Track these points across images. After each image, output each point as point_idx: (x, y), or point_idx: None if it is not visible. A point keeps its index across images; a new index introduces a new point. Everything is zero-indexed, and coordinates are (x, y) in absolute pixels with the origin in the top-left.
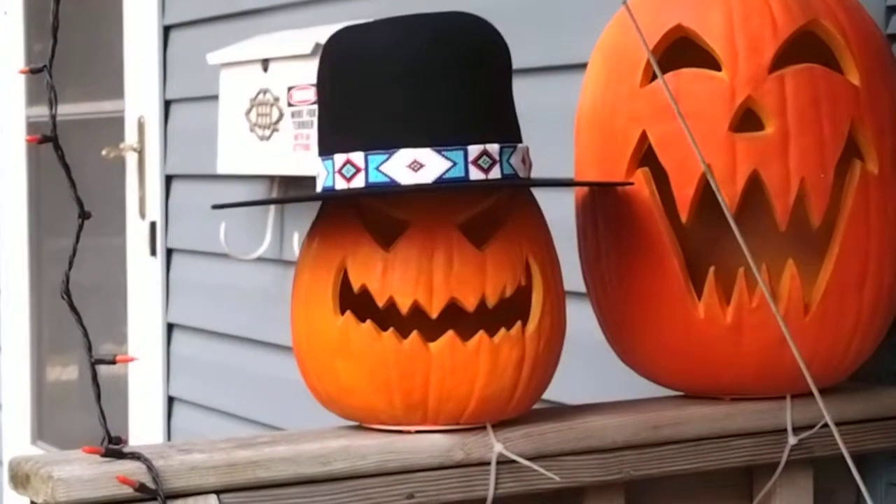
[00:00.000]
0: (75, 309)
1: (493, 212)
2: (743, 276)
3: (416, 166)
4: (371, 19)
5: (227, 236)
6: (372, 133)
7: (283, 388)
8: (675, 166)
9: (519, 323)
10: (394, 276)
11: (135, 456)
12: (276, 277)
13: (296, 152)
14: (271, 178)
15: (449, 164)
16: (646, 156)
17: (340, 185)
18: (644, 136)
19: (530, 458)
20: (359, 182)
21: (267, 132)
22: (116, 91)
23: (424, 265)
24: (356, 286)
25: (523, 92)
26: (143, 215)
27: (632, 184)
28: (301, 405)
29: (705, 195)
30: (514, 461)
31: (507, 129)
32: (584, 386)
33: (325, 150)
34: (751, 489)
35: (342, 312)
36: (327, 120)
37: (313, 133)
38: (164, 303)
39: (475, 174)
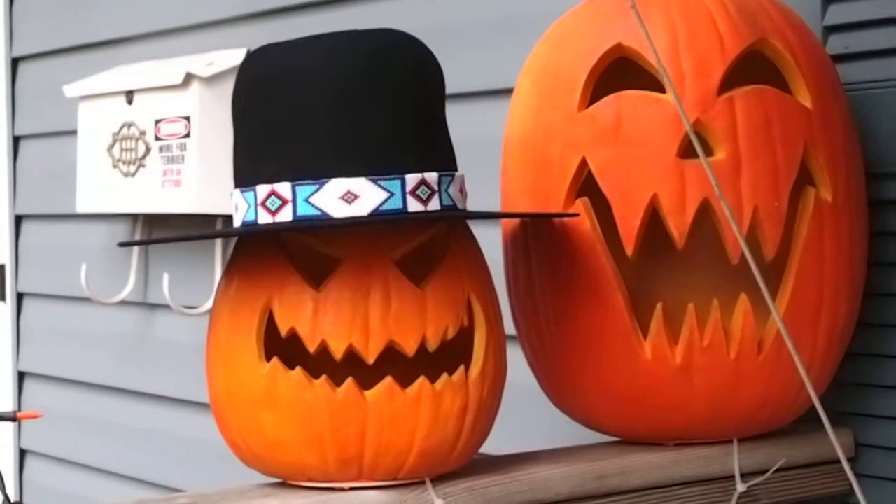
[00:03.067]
0: None
1: (431, 247)
2: (693, 313)
3: (350, 197)
4: (245, 49)
5: (87, 278)
6: (300, 161)
7: (148, 439)
8: (619, 196)
9: (462, 367)
10: (326, 318)
11: None
12: (140, 321)
13: (165, 189)
14: (135, 217)
15: (386, 194)
16: (585, 185)
17: (264, 218)
18: (584, 163)
19: None
20: (286, 215)
21: (132, 168)
22: None
23: (360, 305)
24: (284, 330)
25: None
26: None
27: (577, 215)
28: (168, 455)
29: (651, 227)
30: None
31: (443, 157)
32: (512, 433)
33: (245, 180)
34: None
35: (268, 359)
36: (246, 148)
37: (185, 168)
38: (15, 350)
39: (413, 205)
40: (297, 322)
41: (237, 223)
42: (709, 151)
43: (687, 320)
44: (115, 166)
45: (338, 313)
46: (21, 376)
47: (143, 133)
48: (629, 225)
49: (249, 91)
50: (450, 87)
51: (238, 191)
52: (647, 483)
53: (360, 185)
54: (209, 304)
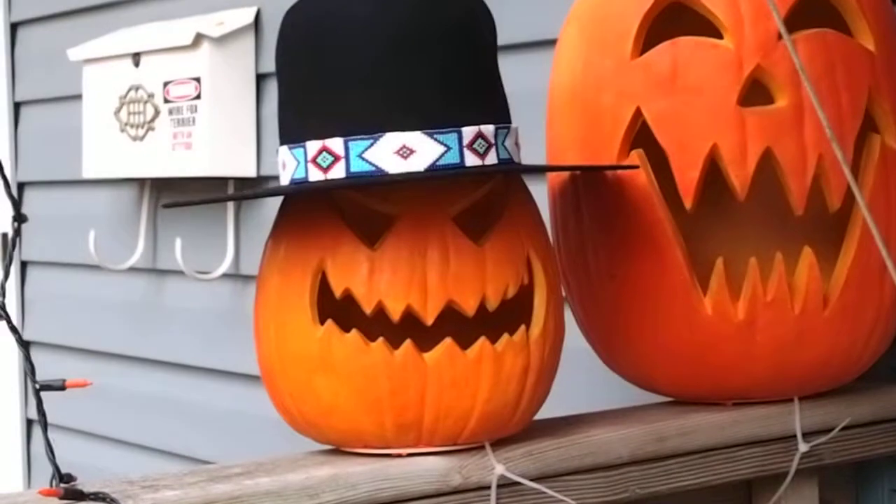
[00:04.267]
0: (15, 328)
1: (488, 202)
2: (755, 267)
3: (406, 152)
4: (255, 7)
5: (96, 245)
6: (352, 115)
7: (161, 406)
8: (676, 147)
9: (523, 327)
10: (382, 278)
11: (99, 497)
12: (150, 288)
13: (175, 152)
14: (141, 182)
15: (442, 148)
16: (640, 135)
17: (315, 176)
18: (638, 113)
19: (534, 479)
20: (339, 172)
21: (140, 131)
22: None
23: (417, 264)
24: (338, 291)
25: None
26: None
27: (637, 167)
28: (181, 423)
29: (710, 178)
30: (516, 483)
31: (499, 108)
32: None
33: (293, 136)
34: (750, 502)
35: (322, 322)
36: (293, 102)
37: (196, 131)
38: (20, 319)
39: (471, 160)
40: (353, 283)
41: (284, 181)
42: (769, 99)
43: (749, 275)
44: (122, 130)
45: (395, 273)
46: (27, 345)
47: (151, 96)
48: (688, 177)
49: (294, 42)
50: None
51: (285, 147)
52: (708, 444)
53: (415, 139)
54: (222, 270)
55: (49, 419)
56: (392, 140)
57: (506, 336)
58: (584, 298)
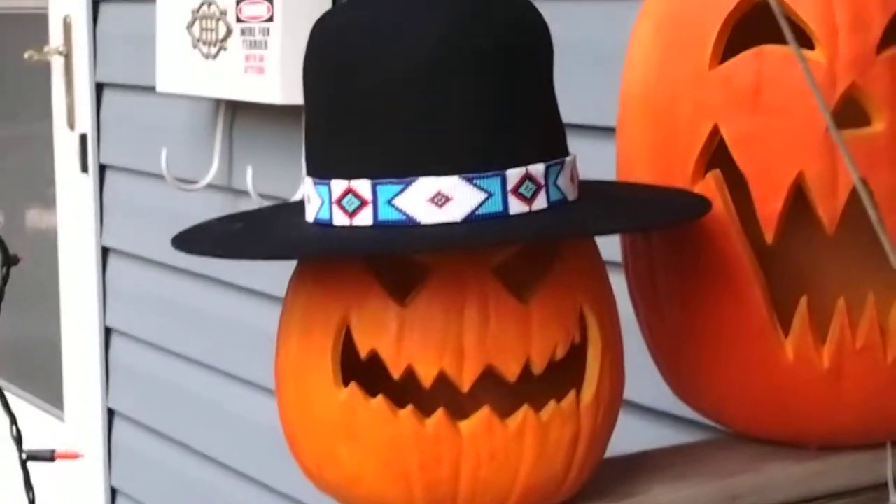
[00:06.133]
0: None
1: (535, 248)
2: (844, 309)
3: (441, 200)
4: None
5: (168, 162)
6: (381, 154)
7: (235, 331)
8: (758, 172)
9: (573, 392)
10: (413, 339)
11: None
12: (225, 206)
13: (247, 75)
14: (217, 101)
15: (483, 195)
16: (717, 155)
17: (340, 220)
18: (715, 130)
19: None
20: (365, 218)
21: (213, 49)
22: None
23: (452, 324)
24: (364, 352)
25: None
26: (71, 126)
27: (708, 205)
28: (257, 350)
29: (795, 208)
30: None
31: (552, 139)
32: None
33: (317, 170)
34: None
35: (345, 384)
36: (318, 129)
37: (268, 55)
38: (98, 224)
39: (516, 206)
40: (379, 343)
41: (309, 217)
42: (865, 120)
43: (836, 317)
44: (194, 46)
45: (427, 333)
46: (105, 252)
47: (223, 13)
48: (770, 207)
49: (319, 62)
50: None
51: (310, 181)
52: (788, 499)
53: (452, 184)
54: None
55: (126, 330)
56: (425, 185)
57: (552, 403)
58: (653, 324)
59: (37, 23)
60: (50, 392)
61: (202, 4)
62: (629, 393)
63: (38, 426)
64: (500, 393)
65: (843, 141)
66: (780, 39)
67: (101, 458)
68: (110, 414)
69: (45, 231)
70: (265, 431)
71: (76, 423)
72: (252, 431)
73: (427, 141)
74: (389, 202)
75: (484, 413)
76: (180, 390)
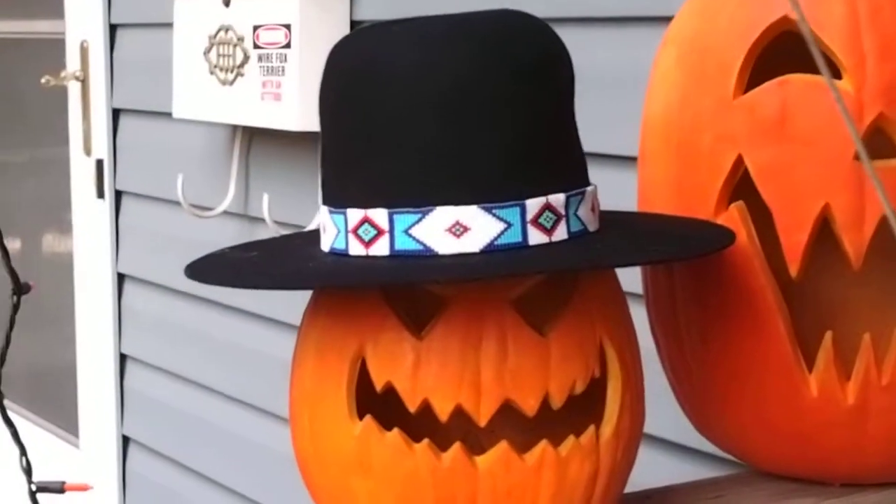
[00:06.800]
0: (9, 421)
1: (555, 280)
2: (869, 345)
3: (459, 230)
4: None
5: (184, 188)
6: (398, 183)
7: (251, 359)
8: (783, 204)
9: (592, 427)
10: (429, 373)
11: None
12: (241, 233)
13: (264, 101)
14: (234, 128)
15: (501, 225)
16: (741, 186)
17: (356, 249)
18: (739, 161)
19: None
20: (382, 248)
21: (230, 76)
22: (55, 10)
23: (470, 357)
24: (379, 384)
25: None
26: (87, 152)
27: (731, 237)
28: (273, 378)
29: (820, 241)
30: None
31: (573, 170)
32: None
33: (333, 198)
34: None
35: (360, 417)
36: (333, 158)
37: (285, 81)
38: (114, 251)
39: (535, 237)
40: (395, 376)
41: (325, 246)
42: (890, 152)
43: (862, 353)
44: (211, 72)
45: (443, 367)
46: (121, 278)
47: (241, 39)
48: (794, 239)
49: (335, 89)
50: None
51: (326, 210)
52: None
53: (470, 214)
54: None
55: (143, 358)
56: (443, 215)
57: (571, 438)
58: (674, 357)
59: (54, 48)
60: (65, 419)
61: (219, 30)
62: (649, 426)
63: (53, 454)
64: (518, 427)
65: (874, 171)
66: (805, 68)
67: (116, 486)
68: (125, 441)
69: (61, 256)
70: (281, 460)
71: (91, 451)
72: (268, 460)
73: (445, 170)
74: (406, 232)
75: (501, 448)
76: (195, 418)
